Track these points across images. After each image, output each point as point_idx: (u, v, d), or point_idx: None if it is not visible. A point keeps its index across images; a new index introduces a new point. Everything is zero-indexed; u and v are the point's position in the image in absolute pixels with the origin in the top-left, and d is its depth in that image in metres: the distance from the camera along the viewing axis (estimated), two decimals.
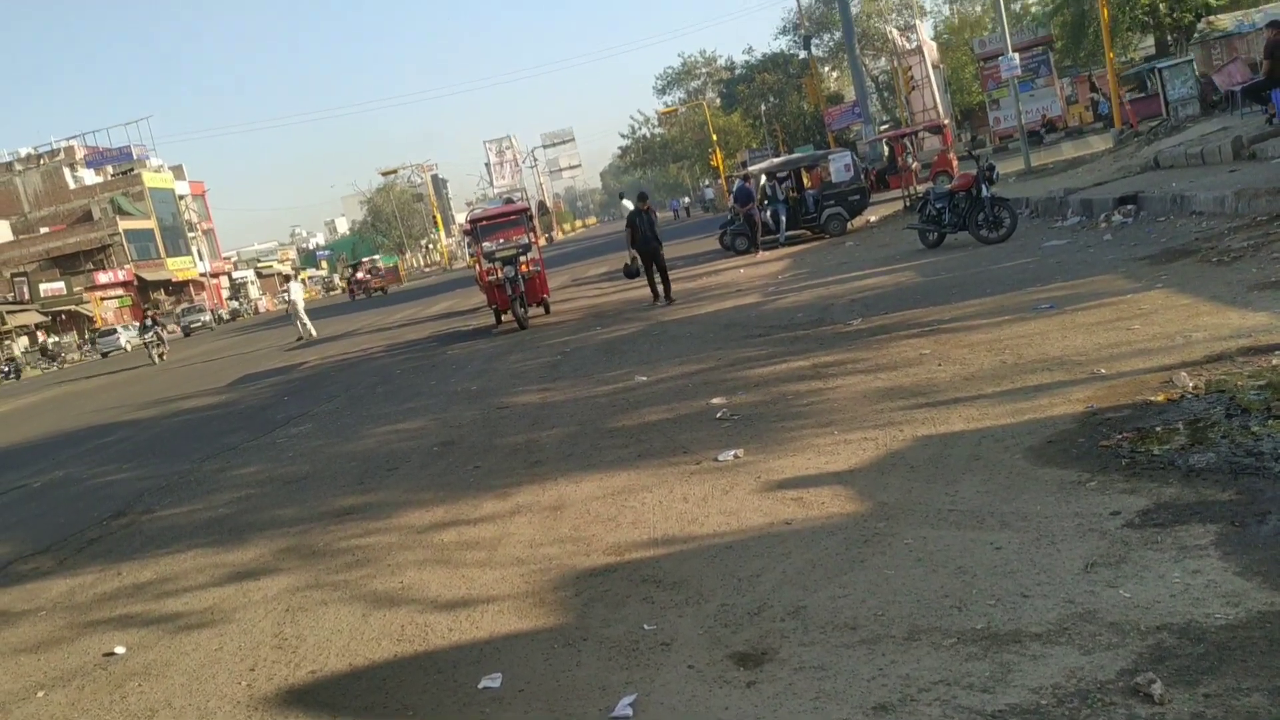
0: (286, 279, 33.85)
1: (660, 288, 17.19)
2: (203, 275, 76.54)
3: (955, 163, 29.95)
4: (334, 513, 7.31)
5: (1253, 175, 12.54)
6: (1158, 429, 5.18)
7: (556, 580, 4.98)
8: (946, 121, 37.14)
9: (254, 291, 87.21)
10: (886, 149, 34.72)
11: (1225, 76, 23.32)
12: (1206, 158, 15.60)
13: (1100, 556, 3.90)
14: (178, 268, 72.21)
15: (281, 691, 4.37)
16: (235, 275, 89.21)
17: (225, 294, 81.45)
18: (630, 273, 17.96)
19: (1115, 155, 22.27)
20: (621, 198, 40.88)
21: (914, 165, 29.01)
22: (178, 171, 79.32)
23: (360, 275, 58.32)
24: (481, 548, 5.76)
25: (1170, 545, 3.86)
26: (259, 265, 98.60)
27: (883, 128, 48.18)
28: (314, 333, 28.10)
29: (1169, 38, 33.80)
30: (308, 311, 29.57)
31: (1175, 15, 30.71)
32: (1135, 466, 4.75)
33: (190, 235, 77.16)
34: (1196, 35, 32.99)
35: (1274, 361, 5.81)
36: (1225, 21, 33.87)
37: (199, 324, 59.79)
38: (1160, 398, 5.62)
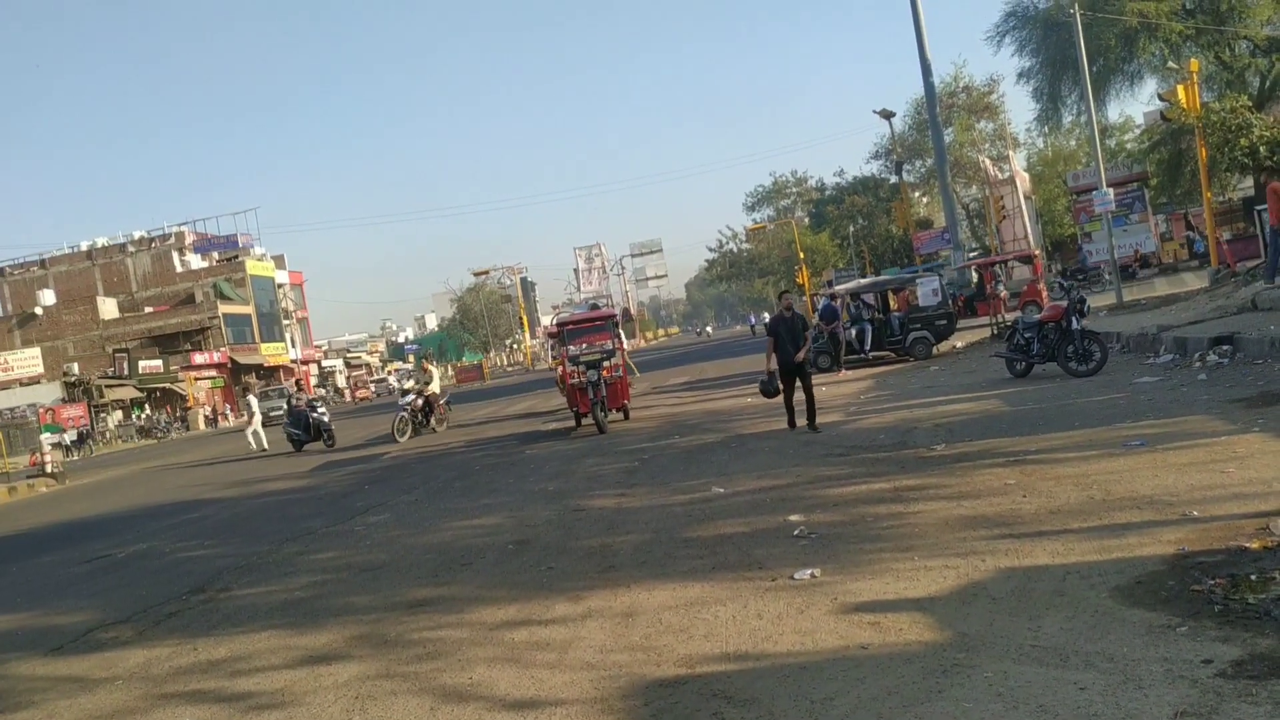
0: (245, 390, 32.38)
1: (805, 412, 13.68)
2: (294, 362, 78.67)
3: (1045, 293, 29.72)
4: (408, 603, 7.38)
5: None
6: (1253, 577, 5.02)
7: (626, 688, 4.95)
8: (1037, 252, 36.97)
9: (341, 381, 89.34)
10: (975, 276, 34.64)
11: None
12: None
13: (1190, 706, 3.76)
14: (270, 353, 74.42)
15: None
16: (325, 363, 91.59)
17: (314, 381, 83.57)
18: (767, 390, 14.41)
19: (1211, 295, 21.88)
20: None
21: (1003, 293, 28.81)
22: (279, 261, 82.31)
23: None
24: (552, 649, 5.75)
25: (1266, 699, 3.72)
26: (348, 355, 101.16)
27: (972, 255, 48.08)
28: (266, 446, 27.29)
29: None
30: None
31: (1276, 159, 30.41)
32: (1229, 614, 4.59)
33: (285, 323, 79.62)
34: None
35: None
36: None
37: (279, 411, 45.92)
38: (1256, 545, 5.45)
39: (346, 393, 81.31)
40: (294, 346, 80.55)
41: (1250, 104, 32.53)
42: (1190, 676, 4.01)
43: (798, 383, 13.80)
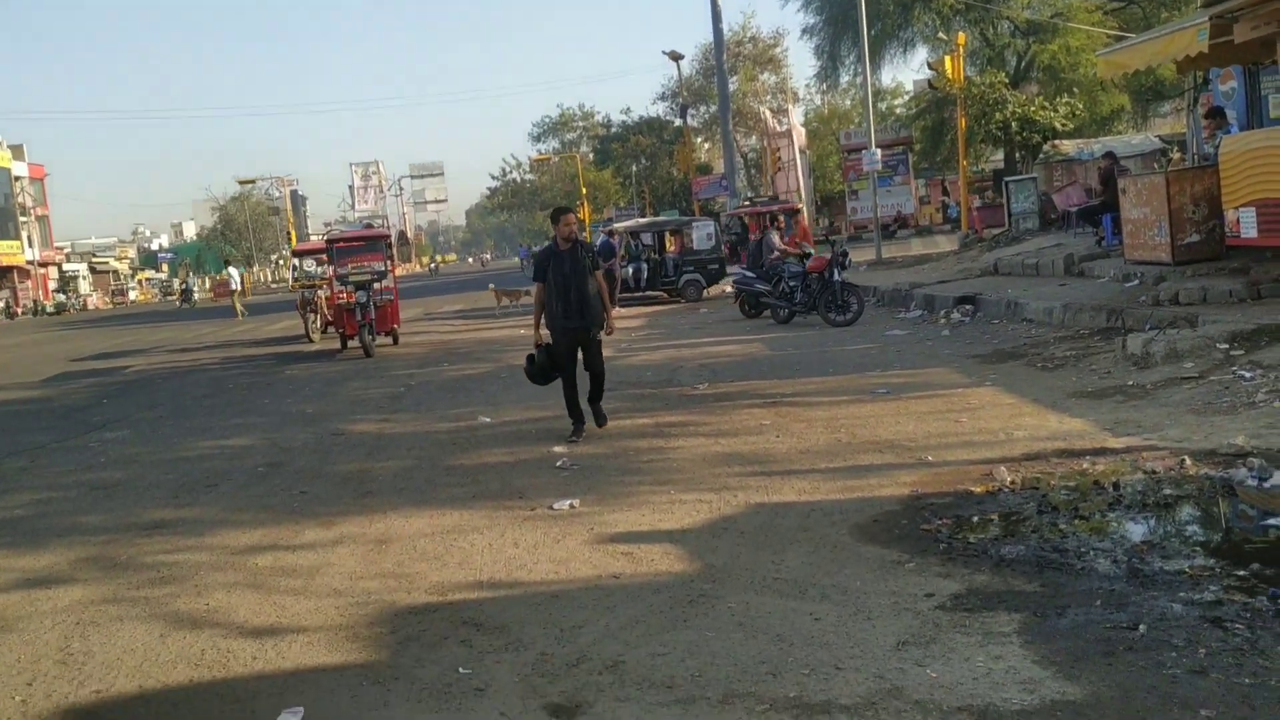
0: None
1: (586, 405, 8.82)
2: (30, 263, 72.14)
3: (812, 245, 30.94)
4: (143, 525, 6.94)
5: (1080, 291, 13.38)
6: (975, 518, 5.42)
7: (374, 615, 4.83)
8: (800, 205, 38.40)
9: (84, 287, 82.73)
10: (741, 223, 35.62)
11: (1064, 197, 24.82)
12: (1041, 269, 16.56)
13: (912, 636, 4.02)
14: (2, 251, 67.94)
15: (60, 710, 4.09)
16: (66, 267, 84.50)
17: (53, 285, 76.98)
18: (533, 373, 8.93)
19: (959, 257, 23.44)
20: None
21: (776, 241, 29.73)
22: (17, 151, 74.70)
23: None
24: (298, 575, 5.54)
25: (977, 630, 4.01)
26: (94, 260, 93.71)
27: (745, 203, 49.50)
28: None
29: (1017, 154, 35.99)
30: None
31: (1025, 135, 32.74)
32: (951, 552, 4.94)
33: (22, 219, 72.74)
34: (1042, 156, 35.21)
35: (1084, 466, 6.17)
36: (1068, 147, 36.34)
37: None
38: (979, 489, 5.88)
39: (91, 299, 75.42)
40: (31, 246, 73.80)
41: (1007, 82, 34.82)
42: (914, 609, 4.29)
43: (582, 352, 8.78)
